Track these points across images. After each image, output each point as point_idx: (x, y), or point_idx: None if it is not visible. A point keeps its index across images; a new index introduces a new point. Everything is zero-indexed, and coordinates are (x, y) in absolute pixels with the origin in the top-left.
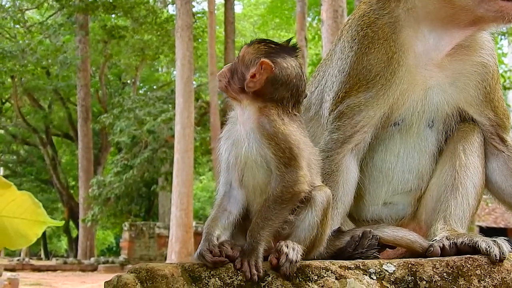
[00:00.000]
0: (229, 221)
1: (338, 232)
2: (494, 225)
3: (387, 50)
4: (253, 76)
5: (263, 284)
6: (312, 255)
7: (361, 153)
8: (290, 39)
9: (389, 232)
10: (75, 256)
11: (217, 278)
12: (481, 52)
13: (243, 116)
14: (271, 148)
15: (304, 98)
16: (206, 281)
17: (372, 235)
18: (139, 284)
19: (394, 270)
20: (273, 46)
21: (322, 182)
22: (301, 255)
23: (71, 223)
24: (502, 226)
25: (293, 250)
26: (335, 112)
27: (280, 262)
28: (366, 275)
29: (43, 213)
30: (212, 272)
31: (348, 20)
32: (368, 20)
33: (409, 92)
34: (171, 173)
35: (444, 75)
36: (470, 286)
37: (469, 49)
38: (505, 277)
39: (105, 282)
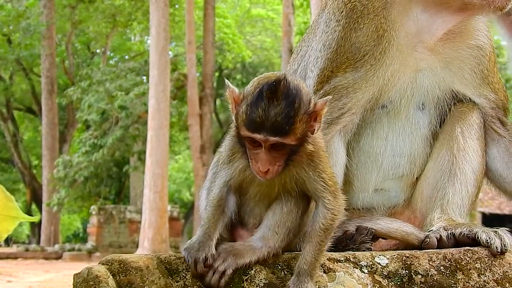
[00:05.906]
0: (224, 223)
1: None
2: (498, 212)
3: (378, 27)
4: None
5: (245, 277)
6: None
7: (349, 134)
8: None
9: (383, 224)
10: (38, 243)
11: None
12: (476, 34)
13: None
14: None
15: None
16: (183, 274)
17: (367, 231)
18: (111, 277)
19: (387, 263)
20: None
21: None
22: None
23: (33, 206)
24: (507, 213)
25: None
26: (321, 92)
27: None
28: (357, 268)
29: (16, 207)
30: None
31: None
32: None
33: (400, 74)
34: (144, 152)
35: (436, 58)
36: (469, 281)
37: (463, 34)
38: (507, 271)
39: (74, 275)
